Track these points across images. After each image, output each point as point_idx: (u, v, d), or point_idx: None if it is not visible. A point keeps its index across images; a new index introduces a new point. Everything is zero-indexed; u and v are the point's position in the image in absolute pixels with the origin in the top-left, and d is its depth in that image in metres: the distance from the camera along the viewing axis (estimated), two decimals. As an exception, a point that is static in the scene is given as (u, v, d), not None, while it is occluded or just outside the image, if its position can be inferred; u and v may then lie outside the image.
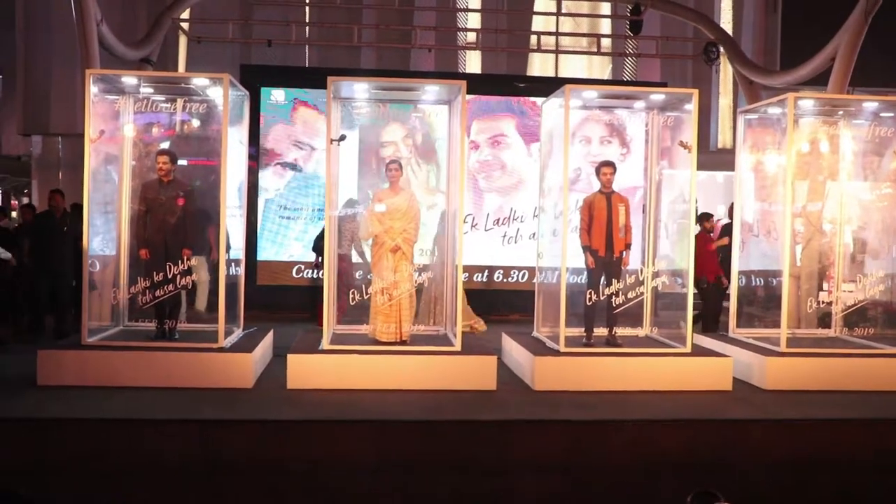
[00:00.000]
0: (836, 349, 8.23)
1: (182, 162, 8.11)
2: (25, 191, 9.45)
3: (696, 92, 8.03)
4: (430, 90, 8.33)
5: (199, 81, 7.88)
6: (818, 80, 12.36)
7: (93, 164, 7.66)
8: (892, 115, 8.45)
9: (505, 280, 13.07)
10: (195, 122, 8.18)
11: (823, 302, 8.56)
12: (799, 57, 12.82)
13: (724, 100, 17.35)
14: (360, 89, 8.30)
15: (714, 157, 15.22)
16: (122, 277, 8.22)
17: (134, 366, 7.24)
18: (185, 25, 14.23)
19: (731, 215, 9.89)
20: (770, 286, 9.12)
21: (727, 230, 10.40)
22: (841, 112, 8.91)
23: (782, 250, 8.20)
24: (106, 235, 8.26)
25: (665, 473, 6.29)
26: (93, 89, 7.56)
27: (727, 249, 9.97)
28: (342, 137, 7.94)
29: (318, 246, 11.31)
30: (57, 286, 9.97)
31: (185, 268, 7.64)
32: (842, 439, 6.55)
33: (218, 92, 7.73)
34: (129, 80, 8.05)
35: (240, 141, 8.52)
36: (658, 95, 8.60)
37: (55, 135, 15.02)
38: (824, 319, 8.84)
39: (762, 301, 9.26)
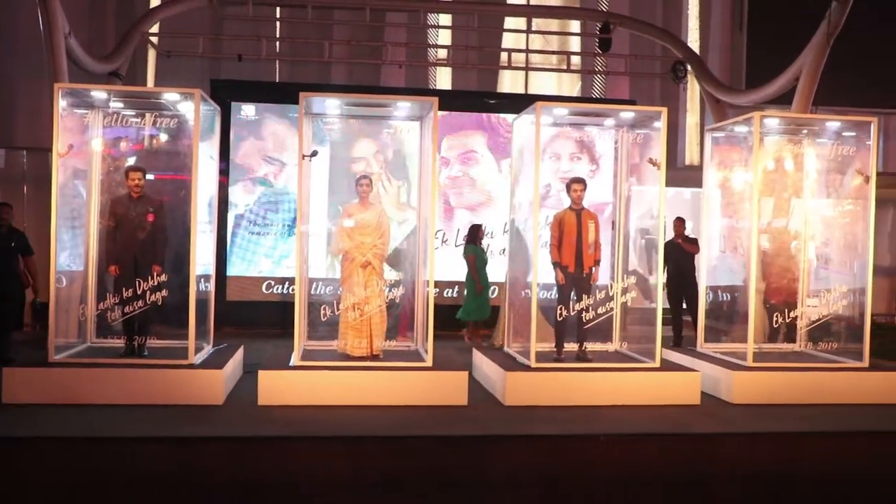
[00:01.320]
0: (801, 363, 8.38)
1: (149, 176, 8.06)
2: (9, 206, 9.33)
3: (664, 110, 8.14)
4: (402, 106, 8.37)
5: (169, 96, 7.85)
6: (783, 99, 12.57)
7: (60, 178, 7.59)
8: (854, 134, 8.63)
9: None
10: (165, 137, 8.15)
11: (790, 317, 8.69)
12: (764, 76, 13.04)
13: (692, 117, 17.56)
14: (331, 105, 8.33)
15: (681, 174, 15.38)
16: (90, 293, 8.13)
17: (103, 383, 7.17)
18: (154, 39, 14.14)
19: None
20: (736, 301, 9.26)
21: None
22: (805, 131, 9.09)
23: (748, 266, 8.33)
24: (73, 251, 8.17)
25: (636, 487, 6.35)
26: (61, 103, 7.51)
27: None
28: (314, 153, 7.95)
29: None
30: (2, 307, 8.95)
31: (156, 284, 7.59)
32: (807, 452, 6.64)
33: (189, 107, 7.72)
34: (98, 94, 7.98)
35: (210, 156, 8.49)
36: (628, 113, 8.71)
37: (20, 148, 14.82)
38: (789, 334, 8.98)
39: (729, 316, 9.39)
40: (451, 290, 12.96)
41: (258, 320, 12.44)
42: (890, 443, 6.83)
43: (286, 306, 11.79)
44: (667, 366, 8.23)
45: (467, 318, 11.38)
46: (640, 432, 6.67)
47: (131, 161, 8.22)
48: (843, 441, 6.77)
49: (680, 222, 10.43)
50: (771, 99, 12.82)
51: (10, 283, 8.99)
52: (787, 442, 6.69)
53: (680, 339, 10.18)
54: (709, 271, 9.51)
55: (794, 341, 9.00)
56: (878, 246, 9.33)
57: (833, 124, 8.83)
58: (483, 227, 11.85)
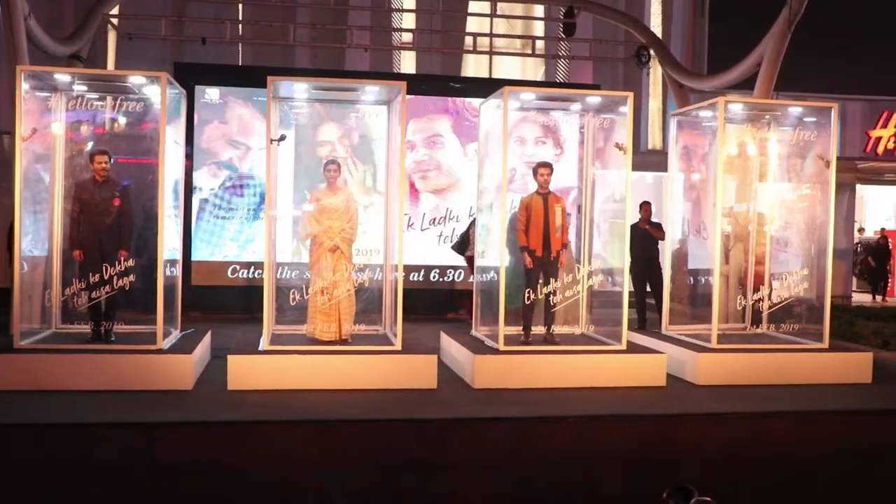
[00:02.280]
0: (763, 345, 8.54)
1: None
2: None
3: (631, 95, 8.22)
4: (371, 90, 8.36)
5: (135, 79, 7.75)
6: (745, 85, 12.76)
7: (23, 162, 7.47)
8: (814, 119, 8.78)
9: (441, 279, 13.15)
10: (130, 121, 8.04)
11: (753, 300, 8.85)
12: (726, 62, 13.21)
13: (654, 102, 17.74)
14: (299, 89, 8.28)
15: (644, 158, 15.55)
16: (54, 279, 8.04)
17: (69, 369, 7.10)
18: (114, 21, 13.93)
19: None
20: (700, 284, 9.41)
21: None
22: (767, 116, 9.23)
23: (712, 249, 8.47)
24: (35, 236, 8.05)
25: (605, 467, 6.45)
26: (24, 86, 7.38)
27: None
28: (282, 137, 7.90)
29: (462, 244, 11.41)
30: None
31: (122, 269, 7.52)
32: (770, 431, 6.80)
33: (154, 90, 7.64)
34: (61, 77, 7.86)
35: (175, 140, 8.41)
36: (594, 98, 8.77)
37: (-22, 132, 14.56)
38: (753, 316, 9.15)
39: (693, 298, 9.54)
40: (417, 274, 12.98)
41: (224, 305, 12.36)
42: (850, 421, 7.01)
43: (252, 291, 11.74)
44: (633, 348, 8.34)
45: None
46: (606, 413, 6.78)
47: (97, 146, 8.10)
48: (804, 419, 6.94)
49: (647, 206, 10.55)
50: (733, 84, 13.00)
51: None
52: (750, 421, 6.84)
53: (644, 321, 10.32)
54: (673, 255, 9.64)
55: (756, 324, 9.15)
56: (835, 229, 9.51)
57: (795, 110, 8.98)
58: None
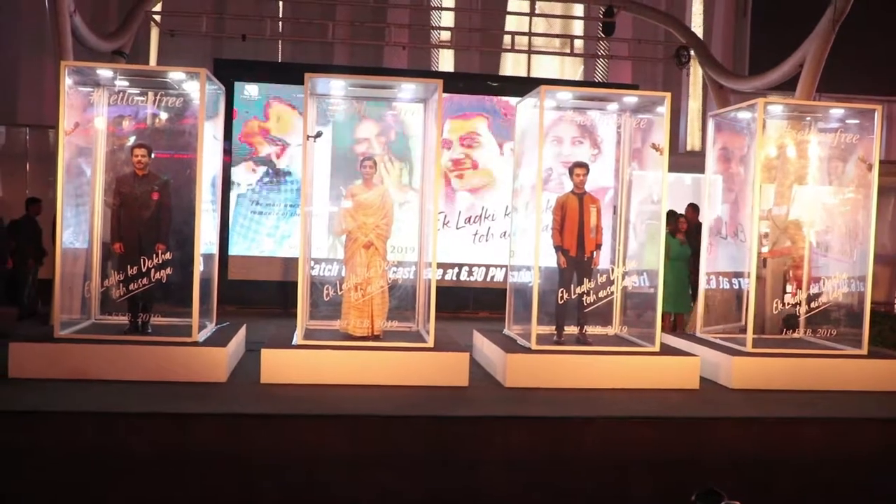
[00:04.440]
0: (799, 349, 8.42)
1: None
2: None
3: (669, 95, 8.15)
4: (407, 88, 8.38)
5: (175, 75, 7.85)
6: (785, 86, 12.59)
7: (66, 156, 7.60)
8: (857, 121, 8.64)
9: (475, 278, 13.16)
10: (170, 116, 8.15)
11: (788, 304, 8.72)
12: (767, 62, 13.04)
13: (694, 103, 17.55)
14: (336, 86, 8.34)
15: (683, 160, 15.39)
16: (94, 271, 8.18)
17: (107, 359, 7.22)
18: (157, 18, 14.12)
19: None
20: (736, 287, 9.30)
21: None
22: (809, 118, 9.09)
23: (749, 252, 8.37)
24: (76, 228, 8.19)
25: (635, 469, 6.41)
26: (67, 81, 7.52)
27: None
28: (318, 134, 7.96)
29: None
30: None
31: (160, 262, 7.63)
32: (804, 437, 6.71)
33: (194, 86, 7.73)
34: (104, 72, 7.99)
35: (214, 136, 8.51)
36: (631, 98, 8.72)
37: (22, 125, 14.83)
38: (789, 321, 9.01)
39: (729, 302, 9.43)
40: (451, 273, 12.99)
41: (259, 299, 12.48)
42: (885, 429, 6.89)
43: (286, 286, 11.84)
44: (666, 350, 8.28)
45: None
46: (637, 415, 6.73)
47: (138, 139, 8.22)
48: (840, 427, 6.83)
49: (693, 209, 10.46)
50: (775, 85, 12.83)
51: None
52: (784, 427, 6.75)
53: (676, 326, 10.23)
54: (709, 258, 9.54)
55: (793, 328, 9.01)
56: (879, 234, 9.36)
57: (837, 111, 8.83)
58: (681, 217, 10.86)
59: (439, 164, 7.99)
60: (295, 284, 7.91)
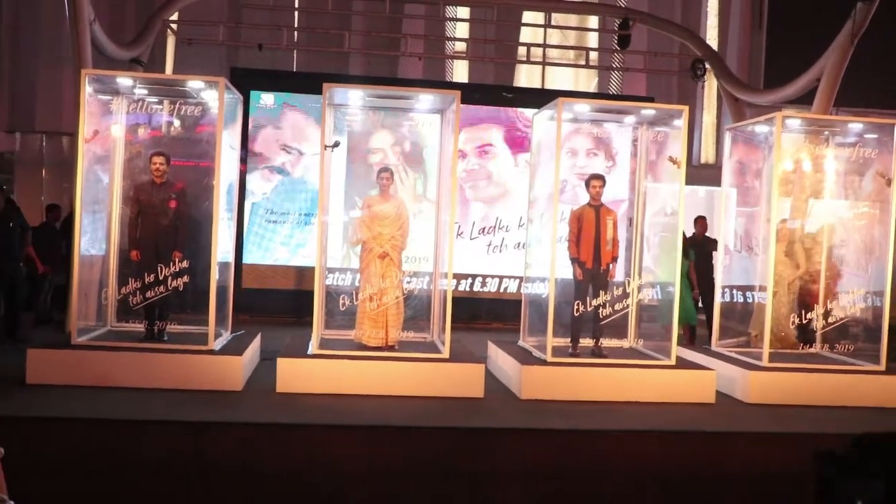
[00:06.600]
0: (816, 364, 8.37)
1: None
2: (3, 187, 9.47)
3: (686, 108, 8.14)
4: (424, 99, 8.40)
5: (194, 84, 7.89)
6: (802, 100, 12.55)
7: (84, 164, 7.64)
8: (875, 136, 8.60)
9: (488, 289, 13.14)
10: (187, 125, 8.19)
11: (805, 318, 8.67)
12: (783, 76, 13.01)
13: (708, 116, 17.52)
14: (354, 96, 8.36)
15: (697, 172, 15.36)
16: (111, 278, 8.21)
17: (123, 366, 7.24)
18: (174, 27, 14.19)
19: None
20: (751, 301, 9.26)
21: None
22: (826, 132, 9.06)
23: (765, 266, 8.33)
24: (93, 235, 8.23)
25: (649, 483, 6.37)
26: (87, 89, 7.56)
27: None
28: (336, 143, 7.98)
29: None
30: (9, 286, 9.50)
31: (177, 270, 7.65)
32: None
33: (212, 95, 7.76)
34: (123, 80, 8.05)
35: (231, 145, 8.53)
36: (648, 110, 8.72)
37: (39, 132, 14.92)
38: (805, 335, 8.96)
39: (744, 316, 9.39)
40: (465, 283, 12.97)
41: (272, 309, 12.49)
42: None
43: (301, 295, 11.86)
44: (682, 364, 8.24)
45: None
46: (652, 429, 6.70)
47: (156, 148, 8.25)
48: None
49: (702, 221, 10.45)
50: (791, 99, 12.79)
51: (10, 263, 9.39)
52: (799, 442, 6.70)
53: (693, 336, 10.19)
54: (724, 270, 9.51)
55: (810, 343, 8.95)
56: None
57: (855, 126, 8.80)
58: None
59: (455, 175, 8.00)
60: (308, 294, 7.92)
